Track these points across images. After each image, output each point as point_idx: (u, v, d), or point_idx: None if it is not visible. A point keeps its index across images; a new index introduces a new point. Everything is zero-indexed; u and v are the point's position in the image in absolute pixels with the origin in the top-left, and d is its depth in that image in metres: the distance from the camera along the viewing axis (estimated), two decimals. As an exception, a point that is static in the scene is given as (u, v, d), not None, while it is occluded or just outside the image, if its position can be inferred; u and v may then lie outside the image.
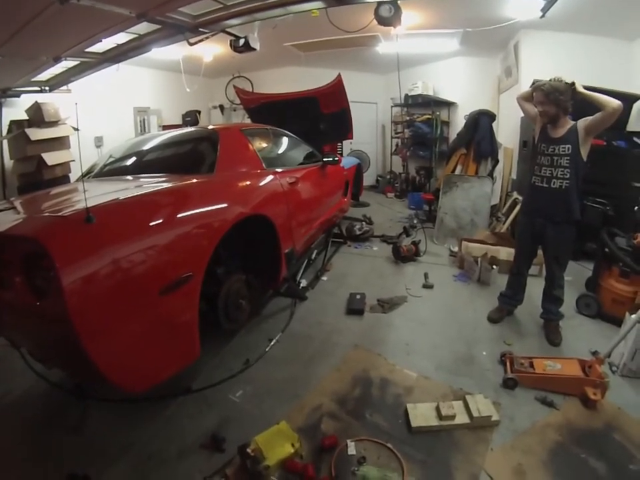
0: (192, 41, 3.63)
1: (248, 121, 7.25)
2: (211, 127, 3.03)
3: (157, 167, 2.59)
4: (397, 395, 2.25)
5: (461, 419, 2.02)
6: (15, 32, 2.86)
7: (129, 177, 2.51)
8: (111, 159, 3.01)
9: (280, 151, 3.30)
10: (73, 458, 1.95)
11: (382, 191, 8.07)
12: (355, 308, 3.17)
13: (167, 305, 1.75)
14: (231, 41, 4.12)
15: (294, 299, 3.21)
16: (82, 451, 2.00)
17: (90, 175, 2.88)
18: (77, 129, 5.14)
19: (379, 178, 8.48)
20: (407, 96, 7.41)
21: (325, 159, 3.90)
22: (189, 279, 1.81)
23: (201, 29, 3.51)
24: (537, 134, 2.75)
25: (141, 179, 2.41)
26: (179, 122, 7.54)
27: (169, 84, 7.37)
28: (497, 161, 5.35)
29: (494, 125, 5.57)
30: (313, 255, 4.12)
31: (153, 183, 2.22)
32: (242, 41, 4.08)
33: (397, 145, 7.99)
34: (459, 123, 6.80)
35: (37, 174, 4.83)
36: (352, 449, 1.87)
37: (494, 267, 3.79)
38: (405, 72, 7.42)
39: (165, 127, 7.16)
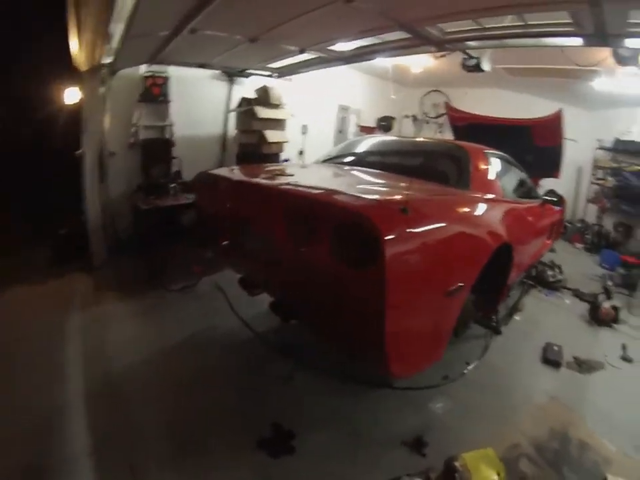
0: (438, 55, 3.76)
1: (439, 135, 7.32)
2: (454, 141, 3.11)
3: (405, 169, 2.74)
4: (594, 461, 2.13)
5: None
6: (288, 20, 3.19)
7: (389, 174, 2.69)
8: (355, 152, 3.33)
9: (510, 180, 3.25)
10: (276, 408, 2.24)
11: (569, 239, 7.34)
12: (552, 359, 3.04)
13: (446, 306, 1.89)
14: (463, 59, 4.18)
15: (490, 330, 3.18)
16: (285, 405, 2.28)
17: (332, 159, 3.23)
18: (293, 115, 5.77)
19: (567, 224, 7.60)
20: (617, 140, 6.67)
21: (545, 197, 3.73)
22: (461, 290, 1.92)
23: (445, 45, 3.63)
24: None
25: (400, 178, 2.53)
26: (373, 125, 7.91)
27: (372, 88, 7.76)
28: None
29: None
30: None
31: (416, 185, 2.35)
32: (474, 61, 4.11)
33: (595, 193, 7.24)
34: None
35: (256, 146, 5.48)
36: (550, 500, 1.83)
37: None
38: (618, 111, 6.73)
39: (362, 128, 7.58)
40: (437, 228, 1.81)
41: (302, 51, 4.43)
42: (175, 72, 4.96)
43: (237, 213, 2.37)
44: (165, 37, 3.50)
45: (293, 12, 3.06)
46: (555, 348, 3.15)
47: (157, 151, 4.97)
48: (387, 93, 6.48)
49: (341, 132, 7.58)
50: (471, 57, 4.16)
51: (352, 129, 7.81)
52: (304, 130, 6.81)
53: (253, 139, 5.49)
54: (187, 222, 4.38)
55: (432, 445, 2.06)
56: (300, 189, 2.03)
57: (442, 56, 4.03)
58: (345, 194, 1.81)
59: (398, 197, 1.78)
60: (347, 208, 1.67)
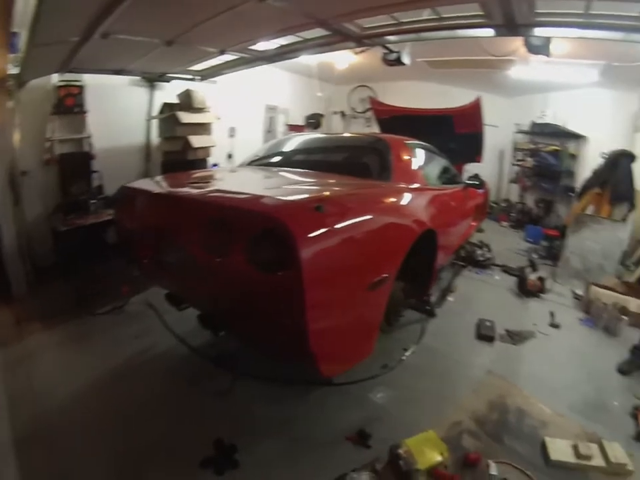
0: (357, 50, 3.81)
1: (367, 129, 7.48)
2: (376, 134, 3.16)
3: (327, 166, 2.75)
4: (532, 426, 2.26)
5: (597, 461, 2.00)
6: (203, 21, 3.08)
7: (311, 172, 2.67)
8: (277, 152, 3.26)
9: (433, 168, 3.36)
10: (218, 424, 2.15)
11: (495, 218, 7.79)
12: (486, 334, 3.17)
13: (370, 300, 1.89)
14: (383, 53, 4.27)
15: (424, 314, 3.27)
16: (227, 419, 2.21)
17: (257, 161, 3.15)
18: (219, 118, 5.62)
19: (492, 205, 8.03)
20: (533, 123, 7.16)
21: (467, 182, 3.90)
22: (386, 281, 1.93)
23: (364, 41, 3.69)
24: None
25: (321, 175, 2.56)
26: (302, 123, 7.91)
27: (298, 86, 7.74)
28: (634, 206, 4.98)
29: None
30: (441, 274, 4.17)
31: (336, 181, 2.39)
32: (394, 55, 4.21)
33: (516, 173, 7.72)
34: (587, 157, 6.48)
35: (181, 153, 5.29)
36: (493, 469, 1.90)
37: (624, 317, 3.56)
38: (533, 97, 7.26)
39: (291, 127, 7.57)
40: (354, 223, 1.80)
41: (222, 52, 4.33)
42: (90, 80, 4.63)
43: (156, 226, 2.25)
44: (75, 43, 3.27)
45: (206, 13, 2.96)
46: (488, 323, 3.30)
47: (75, 165, 4.62)
48: (313, 91, 6.52)
49: (269, 132, 7.50)
50: (392, 51, 4.27)
51: (281, 128, 7.76)
52: (231, 133, 6.65)
53: (177, 146, 5.28)
54: (112, 240, 4.14)
55: (376, 435, 2.07)
56: (213, 196, 1.97)
57: (362, 51, 4.10)
58: (258, 198, 1.76)
59: (313, 196, 1.76)
60: (258, 213, 1.63)
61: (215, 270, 1.76)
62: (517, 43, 4.07)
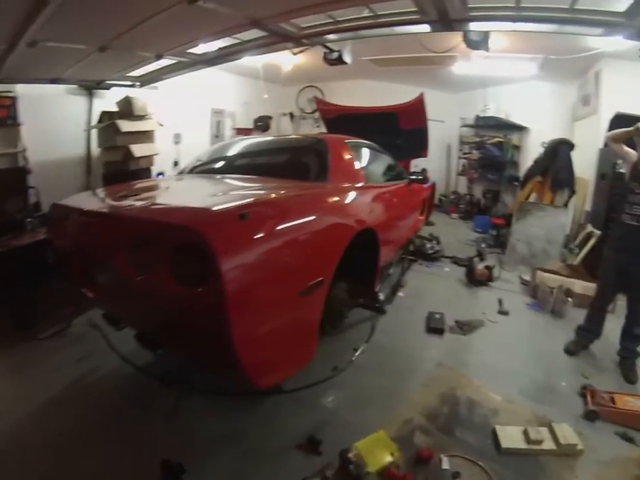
0: (295, 51, 3.77)
1: (317, 130, 7.47)
2: (316, 135, 3.14)
3: (264, 170, 2.71)
4: (483, 415, 2.29)
5: (548, 444, 2.04)
6: (134, 26, 2.96)
7: (245, 177, 2.61)
8: (214, 158, 3.17)
9: (375, 166, 3.36)
10: (165, 444, 2.05)
11: (445, 210, 7.99)
12: (435, 327, 3.20)
13: (304, 306, 1.84)
14: (324, 53, 4.26)
15: (374, 311, 3.25)
16: (174, 439, 2.10)
17: (197, 168, 3.05)
18: (161, 125, 5.43)
19: (442, 197, 8.33)
20: (477, 117, 7.39)
21: (411, 177, 3.94)
22: (320, 284, 1.89)
23: (303, 40, 3.67)
24: (628, 172, 2.76)
25: (258, 180, 2.50)
26: (251, 126, 7.78)
27: (245, 89, 7.60)
28: (574, 192, 5.22)
29: (569, 154, 5.41)
30: (390, 270, 4.18)
31: (272, 185, 2.33)
32: (335, 54, 4.21)
33: (463, 166, 7.95)
34: (530, 148, 6.71)
35: (123, 163, 5.05)
36: (446, 464, 1.89)
37: (569, 299, 3.71)
38: (477, 92, 7.48)
39: (239, 130, 7.43)
40: (282, 229, 1.75)
41: (159, 57, 4.17)
42: (24, 90, 4.34)
43: (87, 244, 2.14)
44: (0, 53, 3.08)
45: (136, 17, 2.83)
46: (437, 316, 3.33)
47: (9, 182, 4.30)
48: (261, 93, 6.43)
49: (217, 137, 7.31)
50: (332, 51, 4.25)
51: (228, 132, 7.58)
52: (177, 139, 6.44)
53: (118, 156, 5.03)
54: (51, 260, 3.91)
55: (327, 440, 2.02)
56: (137, 210, 1.89)
57: (300, 51, 4.07)
58: (179, 210, 1.71)
59: (236, 204, 1.70)
60: (177, 226, 1.56)
61: (141, 286, 1.68)
62: (457, 39, 4.15)
